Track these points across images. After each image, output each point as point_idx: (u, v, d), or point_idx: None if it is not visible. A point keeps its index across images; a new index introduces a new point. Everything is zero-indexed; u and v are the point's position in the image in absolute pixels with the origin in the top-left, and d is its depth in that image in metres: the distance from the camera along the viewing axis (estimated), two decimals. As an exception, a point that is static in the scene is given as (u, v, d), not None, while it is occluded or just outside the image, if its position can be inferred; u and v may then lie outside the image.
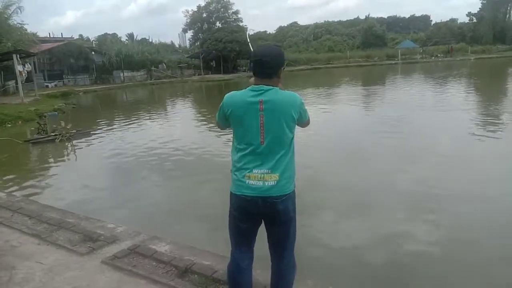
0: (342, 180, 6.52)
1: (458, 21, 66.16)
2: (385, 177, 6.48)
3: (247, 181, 2.21)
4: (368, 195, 5.73)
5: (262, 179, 2.19)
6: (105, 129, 13.45)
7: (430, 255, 4.04)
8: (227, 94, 2.31)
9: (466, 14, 63.77)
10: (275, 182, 2.20)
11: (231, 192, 2.32)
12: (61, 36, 49.07)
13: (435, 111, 13.05)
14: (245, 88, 2.27)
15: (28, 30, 30.33)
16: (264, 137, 2.19)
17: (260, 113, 2.17)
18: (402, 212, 5.11)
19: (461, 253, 4.08)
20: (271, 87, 2.21)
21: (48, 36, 47.54)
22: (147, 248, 3.49)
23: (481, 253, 4.05)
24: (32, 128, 12.31)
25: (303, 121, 2.39)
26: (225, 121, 2.36)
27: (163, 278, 2.97)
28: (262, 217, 2.32)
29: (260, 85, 2.21)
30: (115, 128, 13.71)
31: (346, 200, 5.62)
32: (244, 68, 43.74)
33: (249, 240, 2.41)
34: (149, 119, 15.31)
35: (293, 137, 2.29)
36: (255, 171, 2.20)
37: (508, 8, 58.59)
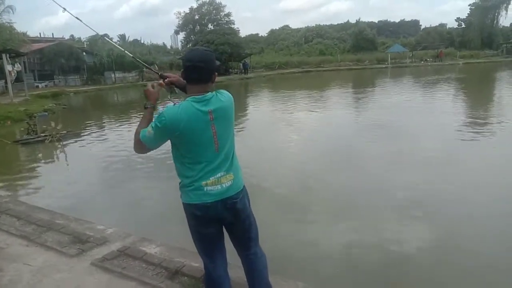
0: (333, 184, 6.56)
1: (447, 26, 67.21)
2: (376, 180, 6.52)
3: (205, 188, 2.18)
4: (360, 198, 5.77)
5: (219, 183, 2.20)
6: (95, 130, 13.37)
7: (422, 258, 4.08)
8: (168, 112, 2.12)
9: (455, 20, 64.80)
10: (231, 181, 2.24)
11: (185, 203, 2.26)
12: (52, 36, 48.70)
13: (424, 114, 13.19)
14: (184, 101, 2.16)
15: (18, 30, 30.09)
16: (218, 145, 2.19)
17: (211, 123, 2.14)
18: (394, 215, 5.15)
19: (452, 256, 4.12)
20: (211, 93, 2.18)
21: (39, 36, 47.19)
22: (137, 249, 3.48)
23: (473, 256, 4.10)
24: (22, 129, 12.16)
25: None
26: (161, 142, 2.22)
27: (153, 280, 2.97)
28: (222, 221, 2.32)
29: (202, 94, 2.14)
30: (105, 129, 13.63)
31: (337, 204, 5.66)
32: (236, 70, 43.79)
33: (217, 245, 2.38)
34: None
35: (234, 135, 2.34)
36: (211, 178, 2.19)
37: (496, 14, 59.47)
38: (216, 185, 2.19)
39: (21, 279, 3.12)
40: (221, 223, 2.34)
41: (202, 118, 2.12)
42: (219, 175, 2.20)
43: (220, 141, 2.19)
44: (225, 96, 2.22)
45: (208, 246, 2.37)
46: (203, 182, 2.18)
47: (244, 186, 2.35)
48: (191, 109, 2.11)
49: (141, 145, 2.25)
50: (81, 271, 3.21)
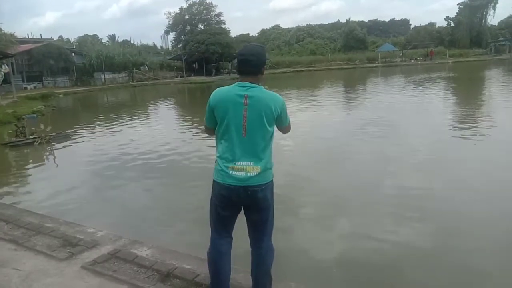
0: (325, 184, 6.56)
1: (437, 25, 67.51)
2: (368, 180, 6.53)
3: (230, 171, 2.35)
4: (352, 197, 5.78)
5: (244, 170, 2.35)
6: (85, 132, 13.24)
7: (415, 258, 4.08)
8: (214, 90, 2.45)
9: (444, 18, 65.02)
10: (257, 173, 2.37)
11: (214, 180, 2.45)
12: (40, 37, 48.15)
13: (415, 113, 13.29)
14: (232, 85, 2.42)
15: (6, 30, 29.66)
16: (246, 130, 2.34)
17: (244, 107, 2.33)
18: (387, 215, 5.15)
19: (445, 255, 4.11)
20: (256, 85, 2.39)
21: (27, 37, 46.58)
22: (128, 252, 3.45)
23: (464, 256, 4.11)
24: (10, 131, 12.02)
25: (283, 124, 2.56)
26: (212, 119, 2.47)
27: (144, 283, 2.94)
28: (242, 205, 2.46)
29: (246, 82, 2.38)
30: (95, 131, 13.51)
31: (330, 204, 5.66)
32: (226, 70, 43.69)
33: (228, 226, 2.57)
34: (131, 122, 15.14)
35: (273, 132, 2.47)
36: (238, 163, 2.35)
37: (484, 13, 60.09)
38: (241, 171, 2.34)
39: (10, 284, 3.06)
40: (240, 208, 2.50)
41: (236, 99, 2.34)
42: (245, 163, 2.35)
43: (249, 126, 2.34)
44: (270, 93, 2.42)
45: (220, 225, 2.54)
46: (230, 166, 2.35)
47: (270, 181, 2.47)
48: (230, 90, 2.39)
49: (205, 126, 2.61)
50: (71, 275, 3.15)
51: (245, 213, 2.53)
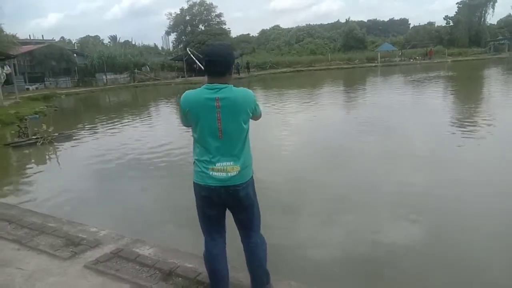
0: (325, 182, 6.57)
1: (436, 25, 67.29)
2: (368, 179, 6.53)
3: (210, 172, 2.35)
4: (352, 196, 5.78)
5: (225, 171, 2.34)
6: (87, 132, 13.29)
7: (415, 256, 4.11)
8: (184, 94, 2.40)
9: (443, 18, 64.88)
10: (237, 172, 2.36)
11: (194, 182, 2.44)
12: (42, 38, 48.27)
13: (414, 113, 13.28)
14: (200, 87, 2.37)
15: (8, 32, 29.74)
16: (222, 132, 2.32)
17: (217, 110, 2.29)
18: (386, 213, 5.17)
19: (442, 252, 4.13)
20: (225, 85, 2.33)
21: (29, 38, 46.72)
22: (131, 251, 3.47)
23: (463, 254, 4.13)
24: (13, 132, 12.09)
25: (256, 115, 2.55)
26: (187, 121, 2.47)
27: (147, 282, 2.96)
28: (226, 205, 2.47)
29: (215, 83, 2.32)
30: (97, 131, 13.55)
31: (330, 202, 5.67)
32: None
33: (218, 226, 2.56)
34: (132, 122, 15.19)
35: (248, 129, 2.44)
36: (218, 164, 2.34)
37: (483, 12, 59.93)
38: (222, 172, 2.34)
39: (13, 283, 3.08)
40: (225, 207, 2.49)
41: (207, 103, 2.29)
42: (225, 163, 2.34)
43: (224, 128, 2.31)
44: (240, 91, 2.37)
45: (209, 225, 2.55)
46: (210, 167, 2.35)
47: (251, 178, 2.47)
48: (200, 94, 2.33)
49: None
50: (74, 274, 3.18)
51: (231, 212, 2.54)
